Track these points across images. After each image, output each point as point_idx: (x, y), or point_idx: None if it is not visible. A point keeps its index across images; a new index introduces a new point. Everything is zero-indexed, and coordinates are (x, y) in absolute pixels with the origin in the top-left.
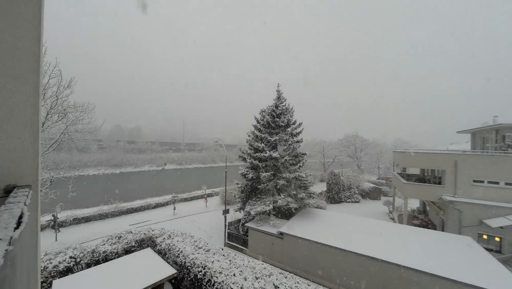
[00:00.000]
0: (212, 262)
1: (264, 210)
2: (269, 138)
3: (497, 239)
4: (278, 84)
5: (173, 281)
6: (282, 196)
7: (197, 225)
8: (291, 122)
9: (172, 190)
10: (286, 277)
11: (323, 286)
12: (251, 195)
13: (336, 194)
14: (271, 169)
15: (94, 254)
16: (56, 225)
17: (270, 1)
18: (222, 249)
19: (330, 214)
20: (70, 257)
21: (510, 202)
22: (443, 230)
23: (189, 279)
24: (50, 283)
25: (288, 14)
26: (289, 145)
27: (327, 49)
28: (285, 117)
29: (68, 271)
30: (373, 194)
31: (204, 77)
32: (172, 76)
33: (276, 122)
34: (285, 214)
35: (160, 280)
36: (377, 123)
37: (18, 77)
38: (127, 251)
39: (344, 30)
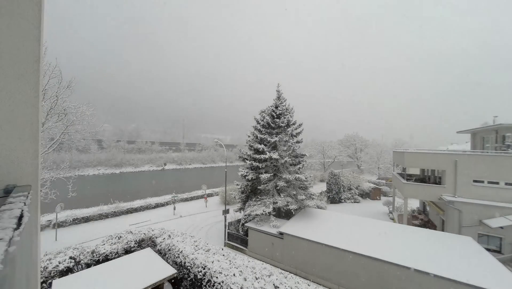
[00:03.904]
0: (212, 262)
1: (264, 212)
2: (269, 139)
3: (497, 239)
4: (278, 84)
5: (173, 281)
6: (282, 196)
7: (197, 225)
8: (291, 123)
9: (172, 190)
10: (286, 277)
11: (323, 286)
12: (251, 196)
13: (336, 194)
14: (271, 170)
15: (94, 254)
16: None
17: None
18: (222, 249)
19: (330, 214)
20: (70, 257)
21: (510, 202)
22: (443, 230)
23: (189, 279)
24: (50, 283)
25: (293, 19)
26: (289, 146)
27: (327, 49)
28: (285, 118)
29: (68, 271)
30: (373, 194)
31: (205, 77)
32: (173, 76)
33: (276, 123)
34: (285, 214)
35: (160, 280)
36: (377, 123)
37: (18, 77)
38: (127, 251)
39: (345, 32)
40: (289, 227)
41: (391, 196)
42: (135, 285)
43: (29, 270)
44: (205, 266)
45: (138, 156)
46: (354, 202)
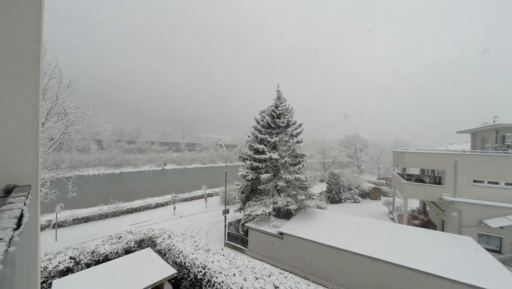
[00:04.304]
0: (212, 262)
1: (264, 212)
2: (269, 139)
3: (497, 239)
4: (278, 84)
5: (173, 281)
6: (282, 196)
7: (197, 225)
8: (291, 123)
9: (172, 190)
10: (286, 277)
11: (323, 286)
12: (251, 196)
13: (336, 194)
14: (271, 170)
15: (94, 254)
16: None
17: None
18: (222, 249)
19: (330, 214)
20: (70, 257)
21: (510, 202)
22: (443, 230)
23: (189, 279)
24: (50, 283)
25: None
26: (289, 146)
27: (326, 48)
28: (285, 118)
29: (68, 271)
30: (373, 194)
31: (205, 77)
32: (173, 76)
33: (276, 123)
34: (285, 214)
35: (160, 280)
36: (377, 123)
37: (18, 77)
38: (127, 251)
39: (345, 29)
40: (289, 227)
41: (391, 196)
42: (135, 285)
43: (29, 270)
44: (205, 266)
45: (138, 156)
46: (354, 202)
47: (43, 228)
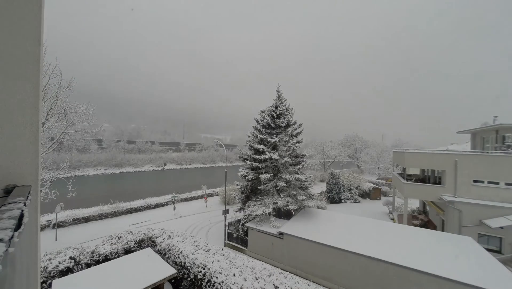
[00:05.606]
0: (212, 262)
1: (264, 212)
2: (269, 139)
3: (497, 239)
4: (278, 84)
5: (173, 281)
6: (282, 197)
7: (197, 225)
8: (291, 123)
9: (172, 190)
10: (286, 277)
11: (323, 286)
12: (251, 196)
13: (336, 194)
14: (271, 170)
15: (94, 254)
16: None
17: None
18: (222, 249)
19: (330, 214)
20: (70, 257)
21: (510, 202)
22: (443, 230)
23: (189, 279)
24: (50, 283)
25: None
26: (289, 146)
27: (326, 47)
28: (285, 118)
29: (68, 271)
30: (373, 194)
31: (205, 76)
32: (173, 76)
33: (276, 123)
34: (285, 214)
35: (160, 280)
36: (377, 123)
37: (18, 77)
38: (127, 251)
39: (344, 28)
40: (289, 227)
41: (391, 196)
42: (135, 285)
43: (29, 270)
44: (205, 266)
45: (138, 156)
46: (354, 202)
47: (43, 228)
